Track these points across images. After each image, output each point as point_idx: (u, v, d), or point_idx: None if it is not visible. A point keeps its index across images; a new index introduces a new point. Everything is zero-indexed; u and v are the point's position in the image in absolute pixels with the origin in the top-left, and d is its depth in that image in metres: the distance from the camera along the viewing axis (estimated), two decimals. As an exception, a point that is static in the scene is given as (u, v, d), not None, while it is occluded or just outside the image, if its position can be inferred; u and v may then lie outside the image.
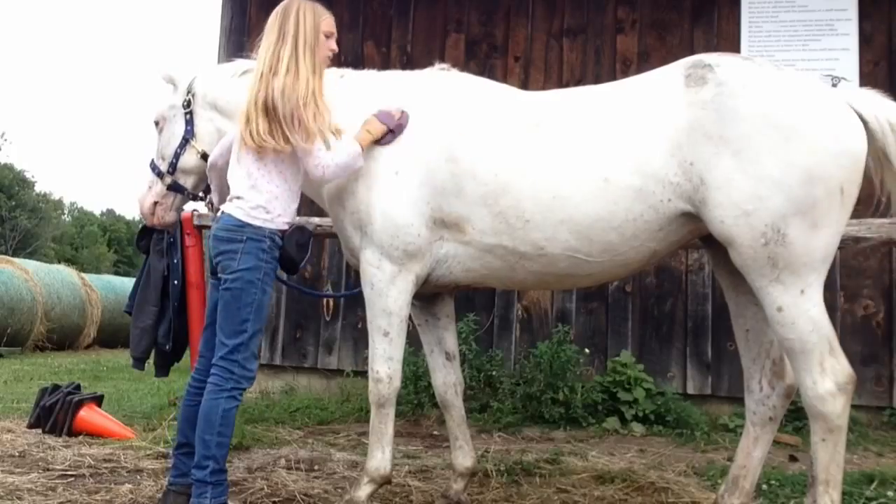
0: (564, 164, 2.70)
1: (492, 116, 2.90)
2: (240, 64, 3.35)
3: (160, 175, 3.34)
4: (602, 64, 5.74)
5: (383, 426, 2.98)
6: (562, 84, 5.65)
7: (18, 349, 11.30)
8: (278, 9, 2.96)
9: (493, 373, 5.30)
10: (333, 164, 2.79)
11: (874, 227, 3.61)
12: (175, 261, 4.15)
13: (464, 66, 5.44)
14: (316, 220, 4.45)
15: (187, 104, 3.29)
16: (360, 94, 3.11)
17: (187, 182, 3.36)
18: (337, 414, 5.15)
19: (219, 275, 2.88)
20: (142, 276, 4.23)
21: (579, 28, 5.83)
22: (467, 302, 5.63)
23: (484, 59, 5.87)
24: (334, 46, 3.06)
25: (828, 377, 2.46)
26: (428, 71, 3.18)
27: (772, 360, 2.86)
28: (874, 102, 2.60)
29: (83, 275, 14.08)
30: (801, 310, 2.47)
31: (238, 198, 2.87)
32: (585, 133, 2.72)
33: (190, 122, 3.30)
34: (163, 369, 4.21)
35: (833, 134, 2.48)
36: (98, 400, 4.69)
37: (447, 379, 3.27)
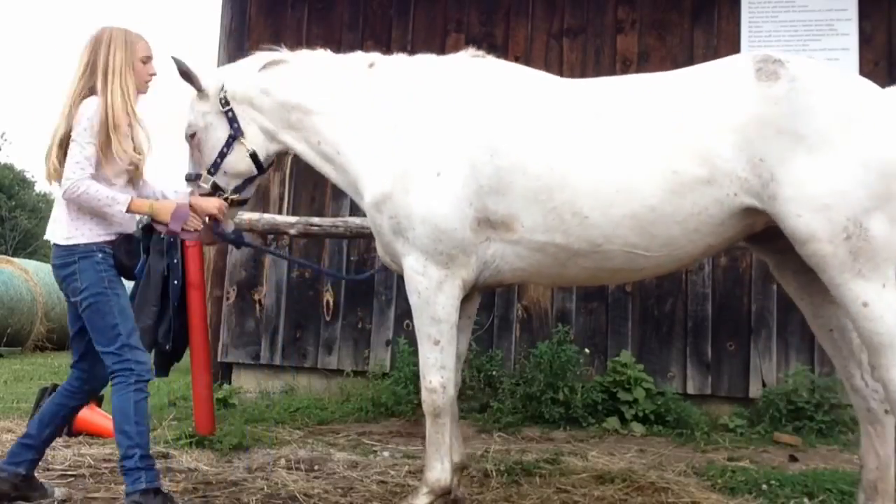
0: (629, 155, 2.61)
1: (543, 106, 2.78)
2: (259, 57, 3.23)
3: (198, 178, 3.19)
4: (602, 64, 5.73)
5: (440, 436, 2.91)
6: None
7: (18, 349, 11.29)
8: (88, 38, 3.02)
9: (493, 373, 5.30)
10: (82, 189, 2.84)
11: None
12: (175, 261, 4.16)
13: (464, 66, 5.44)
14: (316, 220, 4.45)
15: (225, 102, 3.15)
16: (393, 87, 3.00)
17: (229, 184, 3.20)
18: (337, 414, 5.14)
19: (71, 300, 3.02)
20: (142, 276, 4.24)
21: (579, 28, 5.83)
22: (467, 302, 5.62)
23: (484, 59, 5.85)
24: (153, 70, 3.11)
25: None
26: (462, 55, 3.06)
27: (867, 353, 2.75)
28: None
29: (83, 275, 14.07)
30: (886, 303, 2.45)
31: (55, 222, 3.00)
32: (650, 123, 2.64)
33: (234, 120, 3.15)
34: (163, 369, 4.21)
35: None
36: (98, 400, 4.68)
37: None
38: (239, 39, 6.12)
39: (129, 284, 3.54)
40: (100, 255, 2.97)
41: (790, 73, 2.56)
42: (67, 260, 2.96)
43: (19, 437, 3.18)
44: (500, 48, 5.90)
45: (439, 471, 2.89)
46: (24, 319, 11.50)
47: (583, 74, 5.68)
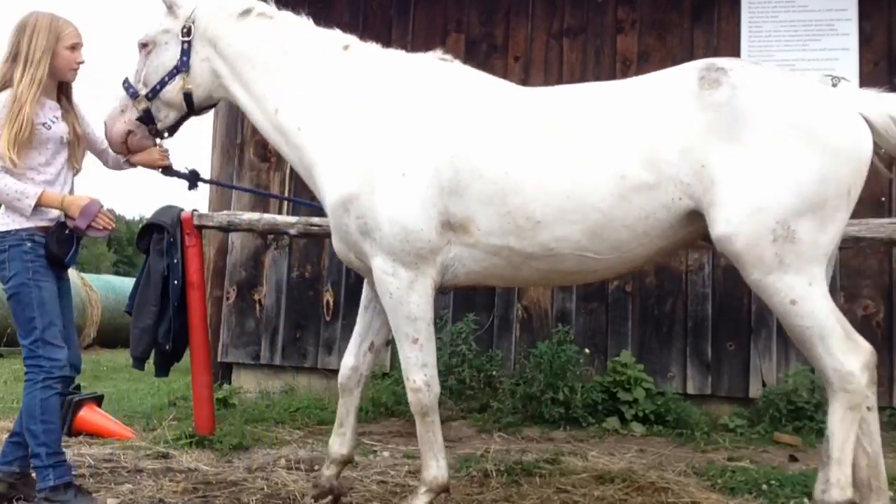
0: (580, 161, 2.67)
1: (501, 112, 2.83)
2: (251, 3, 3.13)
3: (135, 97, 3.14)
4: (602, 64, 5.73)
5: (431, 435, 2.89)
6: (562, 84, 5.64)
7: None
8: (15, 24, 3.03)
9: (493, 373, 5.30)
10: None
11: (874, 227, 3.61)
12: (175, 261, 4.17)
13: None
14: (316, 220, 4.45)
15: (187, 32, 3.08)
16: (364, 76, 2.99)
17: (161, 116, 3.17)
18: (337, 414, 5.14)
19: (4, 288, 3.02)
20: (142, 276, 4.25)
21: (579, 28, 5.83)
22: (467, 302, 5.63)
23: (484, 59, 5.85)
24: (80, 58, 3.10)
25: (852, 355, 2.53)
26: (430, 56, 3.06)
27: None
28: (877, 101, 2.64)
29: (83, 275, 14.06)
30: (814, 299, 2.51)
31: None
32: (600, 130, 2.69)
33: (186, 54, 3.08)
34: (163, 369, 4.22)
35: (845, 136, 2.55)
36: (98, 400, 4.69)
37: (359, 368, 3.20)
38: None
39: (123, 281, 3.51)
40: (28, 245, 2.98)
41: (732, 80, 2.61)
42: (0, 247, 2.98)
43: (7, 437, 3.20)
44: (500, 48, 5.91)
45: (435, 469, 2.89)
46: (24, 319, 11.48)
47: (583, 74, 5.68)
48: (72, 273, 14.20)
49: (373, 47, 3.12)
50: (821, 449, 2.72)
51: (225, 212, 4.96)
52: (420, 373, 2.85)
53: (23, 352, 3.01)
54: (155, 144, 3.32)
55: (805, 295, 2.51)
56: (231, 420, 4.73)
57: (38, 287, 2.98)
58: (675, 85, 2.70)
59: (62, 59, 3.05)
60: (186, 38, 3.08)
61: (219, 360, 5.99)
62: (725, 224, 2.54)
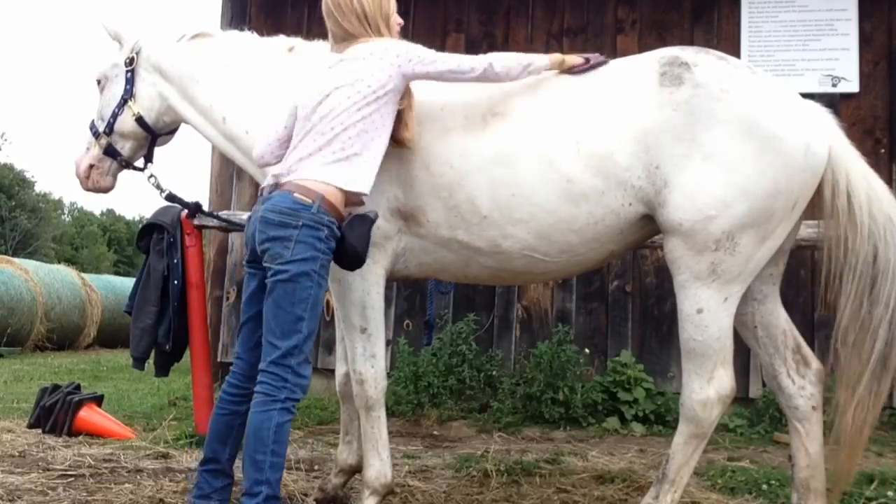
0: (525, 160, 2.57)
1: (450, 105, 2.72)
2: (192, 28, 3.26)
3: (97, 135, 3.26)
4: (602, 64, 5.73)
5: (375, 431, 2.78)
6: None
7: (18, 349, 11.30)
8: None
9: (493, 373, 5.30)
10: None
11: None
12: (175, 261, 4.16)
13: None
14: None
15: (129, 62, 3.21)
16: (310, 70, 2.87)
17: (124, 147, 3.28)
18: (337, 414, 5.12)
19: (265, 264, 2.48)
20: (142, 276, 4.24)
21: (579, 28, 5.83)
22: (467, 302, 5.63)
23: (484, 59, 5.85)
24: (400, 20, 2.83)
25: (714, 385, 2.53)
26: None
27: (791, 349, 2.78)
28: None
29: (83, 275, 14.09)
30: (718, 316, 2.50)
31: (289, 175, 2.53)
32: (549, 128, 2.59)
33: (130, 82, 3.21)
34: (163, 369, 4.22)
35: (804, 148, 2.45)
36: (98, 400, 4.69)
37: None
38: (239, 39, 6.12)
39: (123, 281, 3.50)
40: (325, 232, 2.46)
41: (695, 78, 2.49)
42: (288, 220, 2.43)
43: (199, 467, 2.74)
44: (500, 48, 5.89)
45: (378, 467, 2.77)
46: (24, 319, 11.51)
47: (583, 74, 5.67)
48: (72, 272, 14.28)
49: (319, 44, 3.06)
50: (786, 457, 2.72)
51: (225, 212, 4.96)
52: (367, 364, 2.74)
53: (267, 352, 2.44)
54: (144, 168, 3.42)
55: (715, 308, 2.49)
56: (231, 420, 4.72)
57: (319, 285, 2.46)
58: (634, 81, 2.58)
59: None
60: (129, 68, 3.22)
61: (219, 360, 5.99)
62: (674, 228, 2.48)
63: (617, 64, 2.71)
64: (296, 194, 2.45)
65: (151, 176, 3.46)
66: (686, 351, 2.57)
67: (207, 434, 2.74)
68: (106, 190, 3.35)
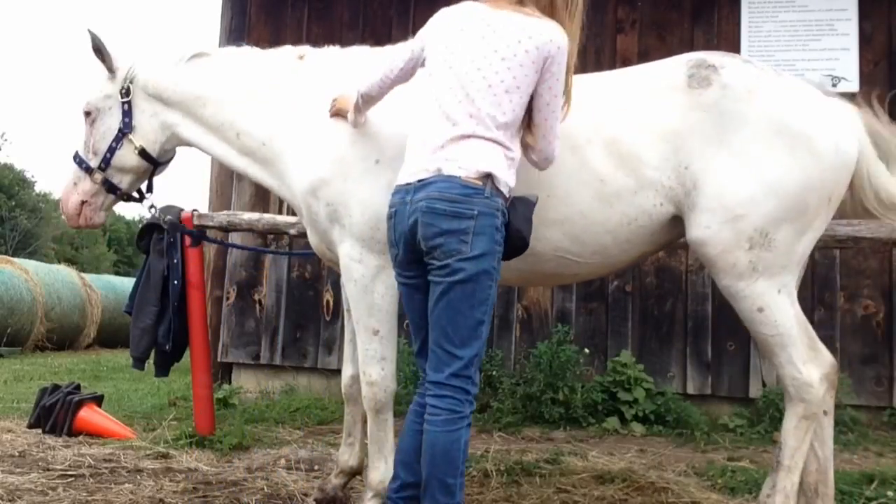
0: (559, 161, 2.54)
1: None
2: (187, 49, 3.16)
3: (89, 171, 3.16)
4: (602, 64, 5.72)
5: (383, 434, 2.77)
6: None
7: (18, 349, 11.29)
8: None
9: (493, 373, 5.30)
10: None
11: (874, 227, 3.60)
12: (175, 261, 4.16)
13: (464, 66, 5.43)
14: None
15: (126, 92, 3.10)
16: (325, 75, 2.92)
17: (122, 181, 3.21)
18: (337, 414, 5.14)
19: (431, 261, 2.17)
20: (142, 276, 4.24)
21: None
22: (467, 302, 5.62)
23: (484, 59, 5.85)
24: None
25: (813, 365, 2.55)
26: (389, 47, 2.98)
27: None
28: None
29: (83, 275, 14.07)
30: (781, 308, 2.52)
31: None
32: (581, 129, 2.60)
33: (128, 115, 3.10)
34: (163, 369, 4.22)
35: (833, 144, 2.51)
36: (98, 400, 4.69)
37: (358, 375, 3.07)
38: (239, 39, 6.10)
39: (123, 281, 3.50)
40: (500, 220, 2.18)
41: (723, 80, 2.54)
42: (463, 209, 2.14)
43: (392, 492, 2.37)
44: (500, 48, 5.90)
45: (383, 471, 2.77)
46: (24, 319, 11.50)
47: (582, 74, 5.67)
48: (72, 272, 14.27)
49: (331, 49, 3.07)
50: (774, 453, 2.73)
51: (225, 212, 4.96)
52: (377, 366, 2.72)
53: (446, 363, 2.15)
54: (142, 199, 3.39)
55: (773, 303, 2.52)
56: (231, 420, 4.73)
57: (496, 283, 2.19)
58: (663, 82, 2.62)
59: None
60: (126, 99, 3.11)
61: (219, 360, 5.99)
62: (703, 229, 2.51)
63: (646, 68, 2.76)
64: (463, 177, 2.16)
65: (152, 206, 3.45)
66: (768, 347, 2.58)
67: (399, 455, 2.39)
68: (98, 226, 3.31)
